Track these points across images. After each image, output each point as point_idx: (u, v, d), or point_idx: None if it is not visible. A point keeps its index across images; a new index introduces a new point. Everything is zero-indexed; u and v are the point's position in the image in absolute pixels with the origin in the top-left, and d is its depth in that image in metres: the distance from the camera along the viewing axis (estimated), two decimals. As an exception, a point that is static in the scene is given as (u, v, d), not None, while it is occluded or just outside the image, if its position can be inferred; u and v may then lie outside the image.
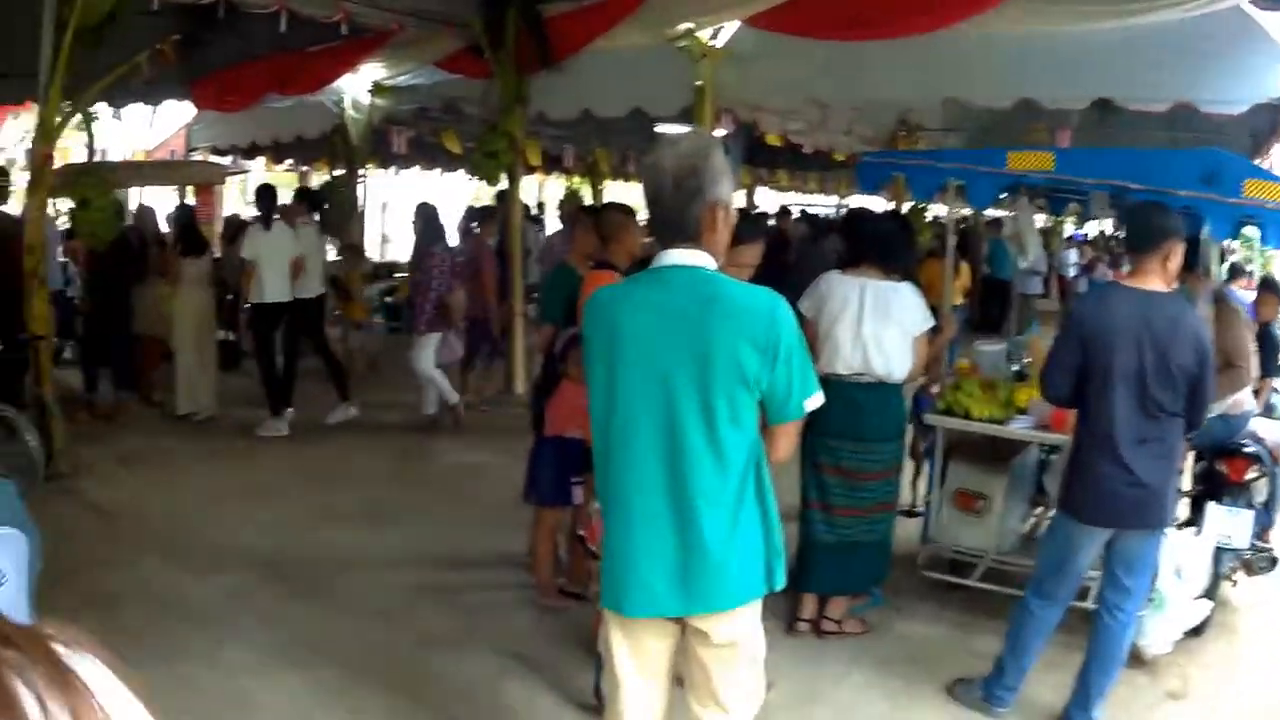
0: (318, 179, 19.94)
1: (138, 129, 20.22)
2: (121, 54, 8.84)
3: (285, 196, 10.82)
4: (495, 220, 11.39)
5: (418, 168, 22.27)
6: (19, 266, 8.45)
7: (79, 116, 9.50)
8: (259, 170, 19.78)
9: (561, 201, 19.45)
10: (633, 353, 3.05)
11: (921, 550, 6.68)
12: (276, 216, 10.23)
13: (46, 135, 8.47)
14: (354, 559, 6.97)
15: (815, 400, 3.13)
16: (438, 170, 22.62)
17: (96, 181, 8.97)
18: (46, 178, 8.53)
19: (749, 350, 2.94)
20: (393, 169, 21.88)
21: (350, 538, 7.36)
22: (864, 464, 5.72)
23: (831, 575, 5.81)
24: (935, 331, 6.08)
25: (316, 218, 10.92)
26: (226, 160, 18.06)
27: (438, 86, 12.62)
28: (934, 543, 6.58)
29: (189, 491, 8.49)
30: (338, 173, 14.44)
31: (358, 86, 13.11)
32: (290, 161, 19.85)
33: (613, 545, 3.19)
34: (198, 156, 17.75)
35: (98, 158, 15.05)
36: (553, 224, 20.46)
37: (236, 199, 25.88)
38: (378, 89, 13.01)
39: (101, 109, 19.40)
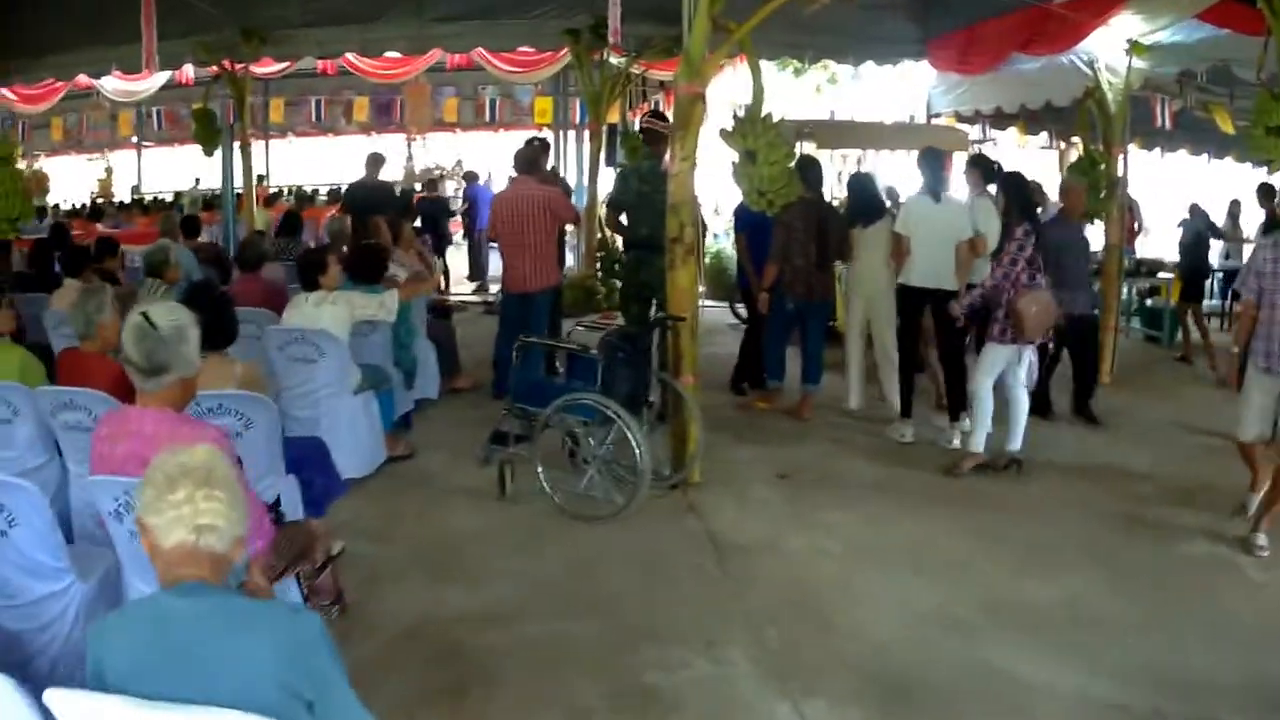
0: (1075, 152, 17.94)
1: (881, 90, 19.35)
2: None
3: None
4: None
5: (1183, 150, 18.96)
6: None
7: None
8: (1008, 142, 17.98)
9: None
10: None
11: None
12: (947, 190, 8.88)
13: (693, 73, 7.20)
14: (1013, 700, 4.81)
15: None
16: (1204, 155, 19.10)
17: (765, 133, 7.54)
18: (696, 125, 7.29)
19: None
20: (1156, 150, 18.86)
21: (1022, 658, 5.15)
22: None
23: None
24: None
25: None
26: (973, 129, 16.57)
27: (1202, 45, 10.06)
28: None
29: (833, 536, 6.82)
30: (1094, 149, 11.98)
31: (1113, 45, 10.90)
32: (1045, 135, 17.81)
33: None
34: (940, 123, 16.24)
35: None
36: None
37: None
38: (1135, 48, 10.69)
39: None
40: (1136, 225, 15.42)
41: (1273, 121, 8.59)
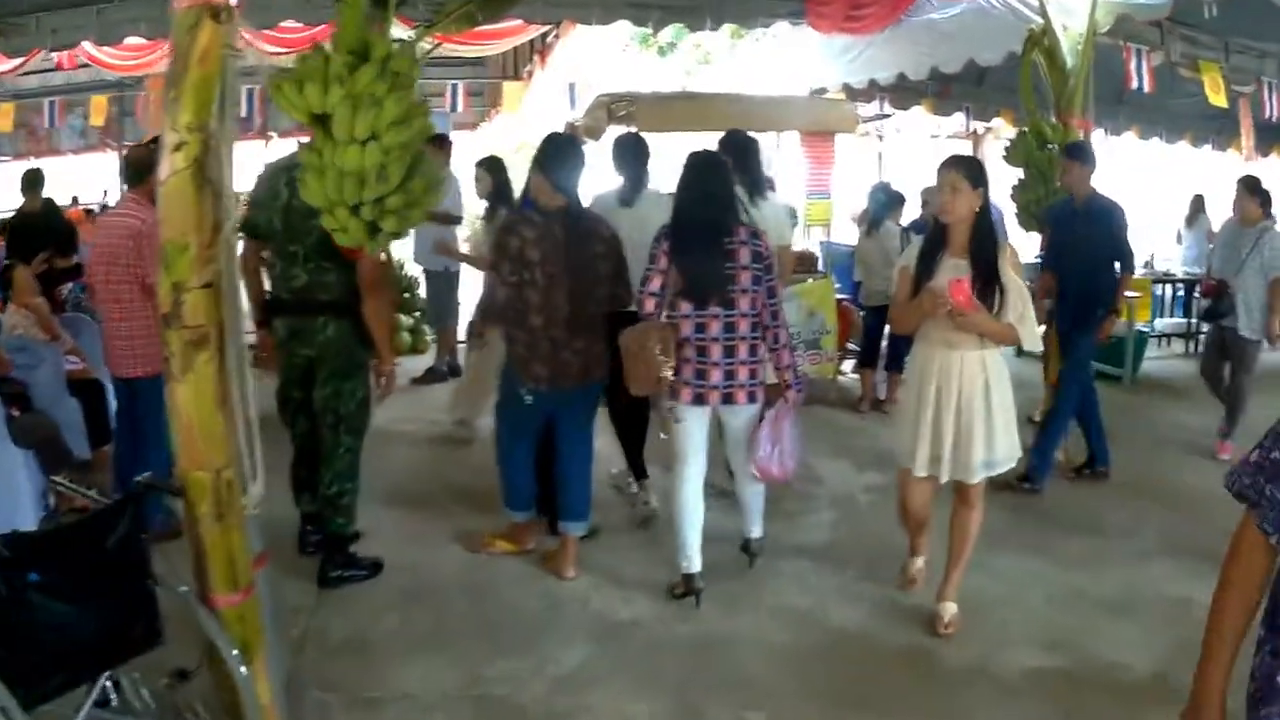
0: (996, 141, 14.23)
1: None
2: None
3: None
4: None
5: (1132, 132, 15.12)
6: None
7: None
8: (914, 122, 14.35)
9: None
10: None
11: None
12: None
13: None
14: None
15: None
16: (1155, 139, 15.23)
17: (359, 81, 3.51)
18: (208, 72, 3.25)
19: None
20: (1101, 130, 14.83)
21: None
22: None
23: None
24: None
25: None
26: (868, 106, 13.31)
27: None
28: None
29: None
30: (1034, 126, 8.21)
31: (1071, -22, 7.35)
32: (963, 111, 14.00)
33: None
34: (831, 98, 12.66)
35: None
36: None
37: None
38: (1106, -24, 7.07)
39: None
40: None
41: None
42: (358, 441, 5.52)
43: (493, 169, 7.81)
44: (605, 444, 6.69)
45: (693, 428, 5.30)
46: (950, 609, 5.07)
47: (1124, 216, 7.12)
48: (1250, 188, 8.00)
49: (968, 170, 4.82)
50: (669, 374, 5.10)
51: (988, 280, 4.71)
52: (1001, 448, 4.86)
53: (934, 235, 4.92)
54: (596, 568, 5.74)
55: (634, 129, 9.26)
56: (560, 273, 5.29)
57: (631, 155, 6.52)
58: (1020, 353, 7.42)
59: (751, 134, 6.81)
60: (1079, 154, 7.18)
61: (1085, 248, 6.93)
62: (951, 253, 4.80)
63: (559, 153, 5.52)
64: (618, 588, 5.54)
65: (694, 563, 5.35)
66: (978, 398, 4.79)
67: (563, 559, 5.68)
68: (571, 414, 5.65)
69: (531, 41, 14.86)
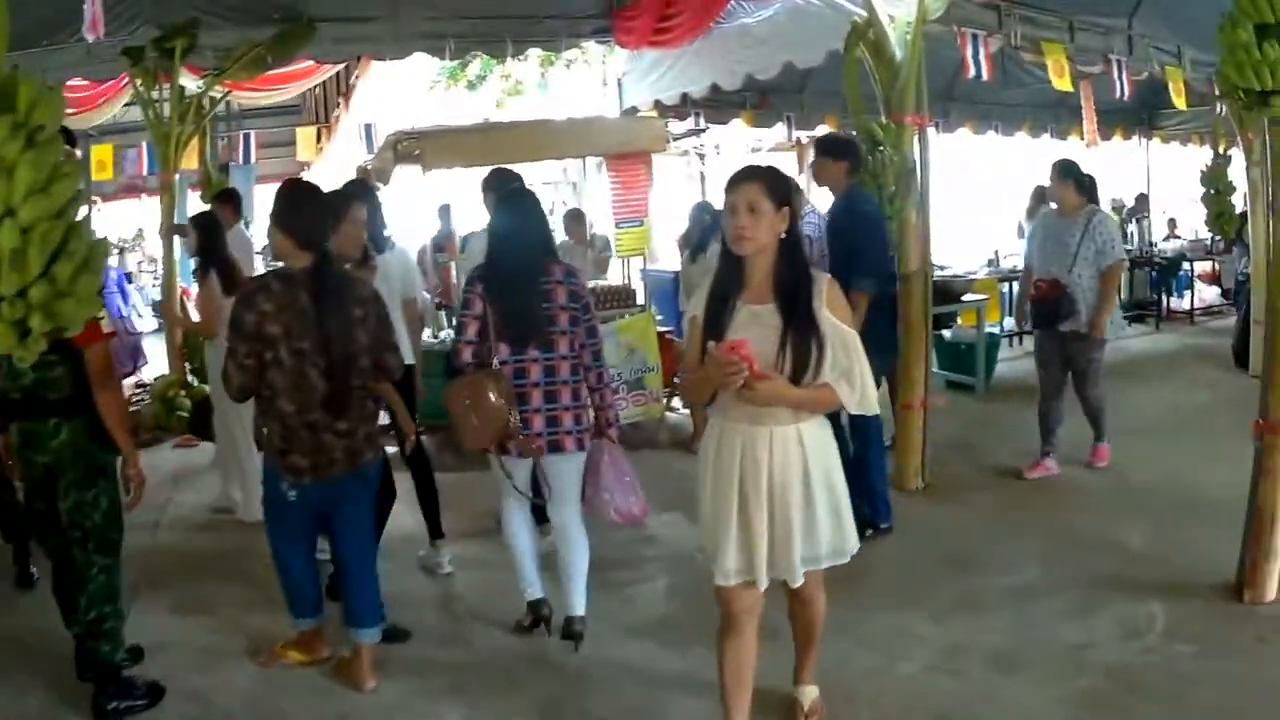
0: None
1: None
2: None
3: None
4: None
5: (966, 128, 14.73)
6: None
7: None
8: (735, 134, 13.81)
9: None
10: None
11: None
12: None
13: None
14: None
15: None
16: (989, 131, 14.77)
17: None
18: None
19: None
20: (933, 127, 14.26)
21: None
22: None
23: None
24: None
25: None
26: (683, 124, 12.57)
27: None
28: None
29: None
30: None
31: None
32: (784, 121, 13.27)
33: None
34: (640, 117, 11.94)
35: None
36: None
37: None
38: (932, -46, 6.51)
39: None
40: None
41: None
42: (111, 558, 4.62)
43: (200, 225, 7.03)
44: (409, 523, 5.91)
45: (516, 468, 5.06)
46: (810, 694, 4.22)
47: (875, 224, 6.40)
48: (1064, 172, 7.33)
49: (770, 184, 3.62)
50: (516, 420, 4.82)
51: (801, 330, 3.56)
52: (827, 540, 3.75)
53: (725, 274, 3.73)
54: (401, 673, 4.85)
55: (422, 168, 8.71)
56: (312, 347, 4.43)
57: (373, 208, 6.08)
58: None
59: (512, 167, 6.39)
60: (829, 148, 6.56)
61: (832, 253, 6.31)
62: (749, 296, 3.66)
63: (297, 203, 4.60)
64: (425, 698, 4.66)
65: (536, 588, 5.22)
66: (794, 484, 3.67)
67: (358, 670, 4.79)
68: (346, 507, 4.76)
69: (338, 82, 14.10)
